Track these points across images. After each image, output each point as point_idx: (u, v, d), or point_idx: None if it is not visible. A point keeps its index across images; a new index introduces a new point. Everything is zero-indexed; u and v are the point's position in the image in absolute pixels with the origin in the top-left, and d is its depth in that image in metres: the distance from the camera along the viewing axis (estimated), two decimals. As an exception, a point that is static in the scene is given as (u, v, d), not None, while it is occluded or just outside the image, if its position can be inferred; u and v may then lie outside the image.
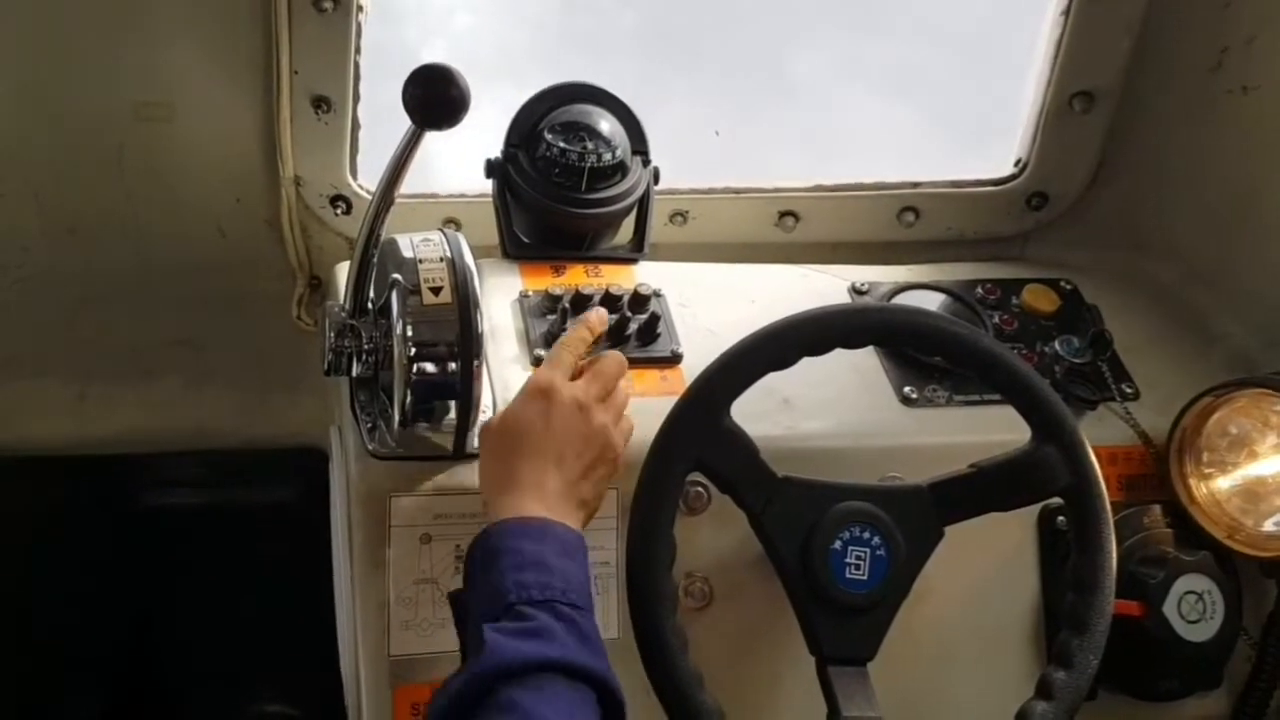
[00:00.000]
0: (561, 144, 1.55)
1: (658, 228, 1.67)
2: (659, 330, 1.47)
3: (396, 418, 1.30)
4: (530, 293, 1.51)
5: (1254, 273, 1.65)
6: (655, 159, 1.61)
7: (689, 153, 1.80)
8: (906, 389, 1.49)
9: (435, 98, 1.20)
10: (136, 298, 1.77)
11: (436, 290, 1.27)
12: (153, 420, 1.87)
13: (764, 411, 1.37)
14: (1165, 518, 1.50)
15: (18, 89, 1.56)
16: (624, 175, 1.58)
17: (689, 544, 1.31)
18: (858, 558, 1.25)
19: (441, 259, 1.29)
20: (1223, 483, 1.48)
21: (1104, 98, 1.69)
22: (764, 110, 1.99)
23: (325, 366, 1.33)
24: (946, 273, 1.68)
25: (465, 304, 1.27)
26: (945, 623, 1.41)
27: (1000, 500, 1.30)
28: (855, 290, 1.62)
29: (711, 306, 1.54)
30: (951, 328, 1.33)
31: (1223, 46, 1.61)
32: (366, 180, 1.68)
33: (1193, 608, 1.43)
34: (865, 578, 1.25)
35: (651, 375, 1.44)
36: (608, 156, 1.55)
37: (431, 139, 1.24)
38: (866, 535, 1.26)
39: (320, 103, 1.58)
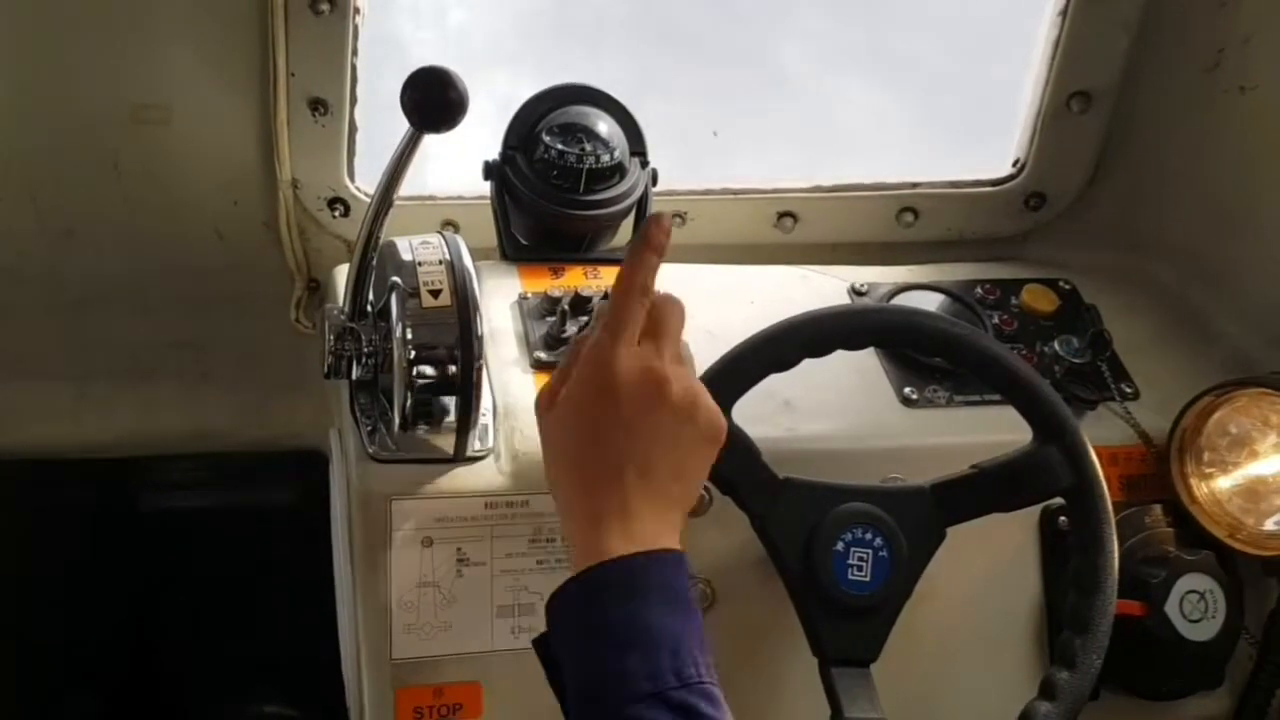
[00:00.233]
0: (559, 146, 1.54)
1: (657, 229, 1.66)
2: (659, 332, 1.47)
3: (397, 421, 1.29)
4: (529, 295, 1.50)
5: (1253, 272, 1.65)
6: (653, 158, 1.61)
7: (688, 154, 1.80)
8: (907, 390, 1.49)
9: (433, 100, 1.20)
10: (134, 300, 1.77)
11: (436, 293, 1.27)
12: (151, 423, 1.86)
13: (765, 413, 1.36)
14: (1166, 517, 1.50)
15: (14, 92, 1.56)
16: (622, 177, 1.58)
17: (690, 546, 1.28)
18: (860, 559, 1.25)
19: (441, 261, 1.29)
20: (1223, 482, 1.48)
21: (1102, 98, 1.69)
22: (757, 101, 1.99)
23: (325, 370, 1.32)
24: (946, 273, 1.68)
25: (465, 307, 1.26)
26: (948, 624, 1.41)
27: (1002, 501, 1.30)
28: (855, 291, 1.62)
29: (710, 308, 1.52)
30: (952, 328, 1.33)
31: (1220, 46, 1.61)
32: (364, 182, 1.68)
33: (1194, 607, 1.43)
34: (868, 579, 1.25)
35: (651, 377, 1.44)
36: (606, 158, 1.55)
37: (429, 140, 1.24)
38: (869, 536, 1.26)
39: (317, 105, 1.58)
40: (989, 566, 1.44)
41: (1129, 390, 1.55)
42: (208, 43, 1.54)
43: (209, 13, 1.52)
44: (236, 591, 1.96)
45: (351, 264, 1.33)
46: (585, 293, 1.48)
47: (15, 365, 1.80)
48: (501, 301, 1.50)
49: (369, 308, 1.35)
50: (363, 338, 1.32)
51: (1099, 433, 1.44)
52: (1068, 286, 1.67)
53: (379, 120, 1.57)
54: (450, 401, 1.30)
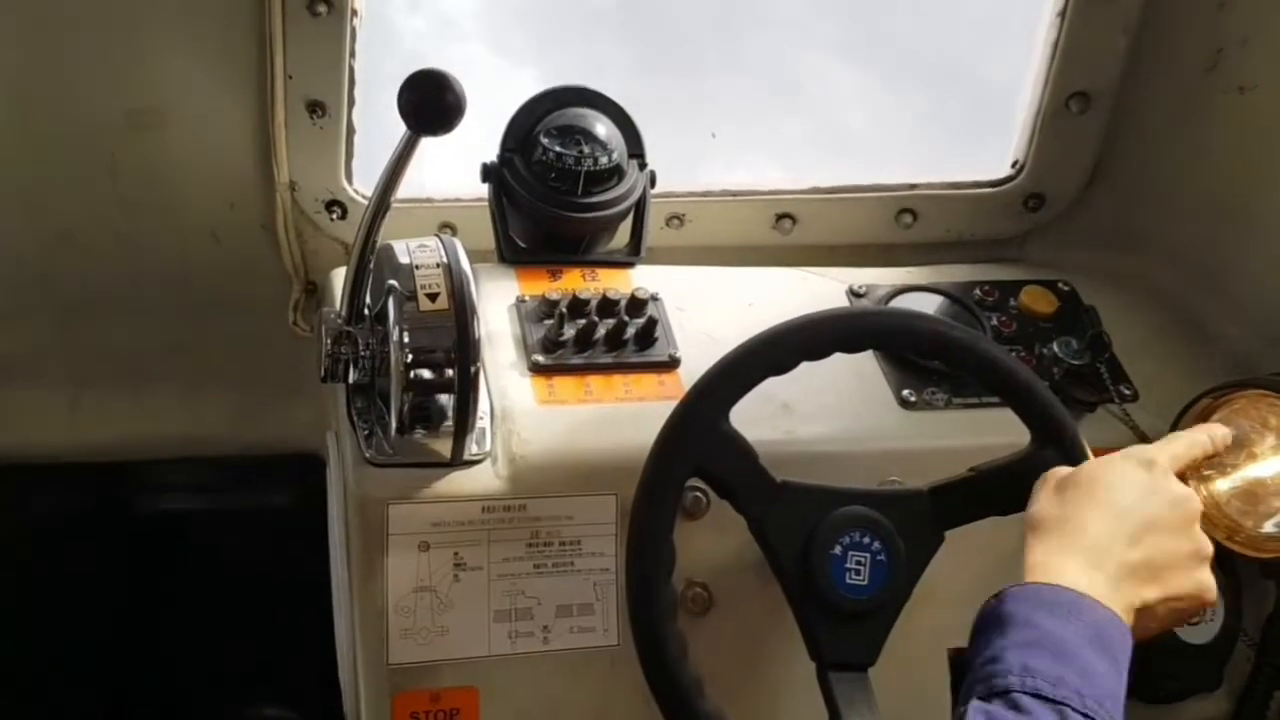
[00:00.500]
0: (557, 148, 1.54)
1: (654, 231, 1.66)
2: (656, 334, 1.46)
3: (394, 425, 1.29)
4: (527, 297, 1.50)
5: (1252, 273, 1.65)
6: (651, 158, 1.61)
7: (685, 154, 1.80)
8: (905, 392, 1.49)
9: (431, 103, 1.19)
10: (131, 304, 1.77)
11: (433, 296, 1.27)
12: (148, 426, 1.86)
13: (763, 416, 1.36)
14: (1165, 520, 1.49)
15: (10, 96, 1.56)
16: (620, 179, 1.57)
17: (688, 550, 1.30)
18: (858, 563, 1.25)
19: (438, 264, 1.29)
20: (1222, 484, 1.48)
21: (1100, 99, 1.69)
22: (756, 102, 1.99)
23: (322, 373, 1.32)
24: (944, 275, 1.68)
25: (462, 310, 1.26)
26: (946, 628, 1.41)
27: (1000, 504, 1.29)
28: (853, 293, 1.61)
29: (709, 310, 1.53)
30: (949, 331, 1.32)
31: (1218, 47, 1.60)
32: (361, 185, 1.67)
33: (1193, 610, 1.43)
34: (865, 583, 1.25)
35: (649, 380, 1.44)
36: (604, 160, 1.55)
37: (427, 141, 1.24)
38: (867, 540, 1.25)
39: (315, 107, 1.58)
40: (987, 570, 1.43)
41: (1128, 392, 1.55)
42: (204, 45, 1.54)
43: (205, 15, 1.51)
44: (233, 595, 1.96)
45: (349, 267, 1.33)
46: (583, 295, 1.47)
47: (12, 369, 1.80)
48: (499, 304, 1.50)
49: (366, 311, 1.35)
50: (360, 341, 1.31)
51: (1098, 435, 1.43)
52: (1066, 288, 1.66)
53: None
54: (447, 405, 1.30)
